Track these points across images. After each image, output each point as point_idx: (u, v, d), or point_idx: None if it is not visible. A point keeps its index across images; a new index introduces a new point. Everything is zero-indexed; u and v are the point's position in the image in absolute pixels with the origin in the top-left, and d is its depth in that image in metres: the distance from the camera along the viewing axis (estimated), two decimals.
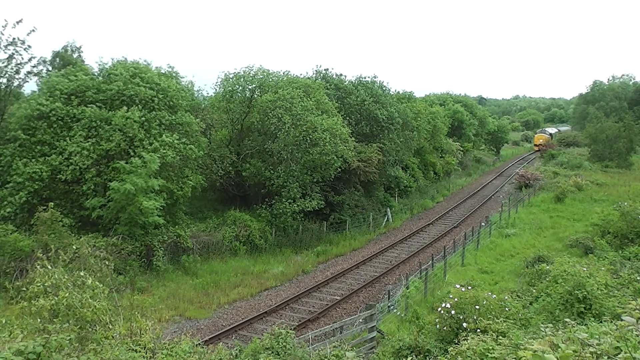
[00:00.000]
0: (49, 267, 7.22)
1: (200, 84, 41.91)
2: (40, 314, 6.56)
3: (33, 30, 22.25)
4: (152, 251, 20.43)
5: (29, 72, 23.06)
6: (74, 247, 8.88)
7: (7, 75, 22.34)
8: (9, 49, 21.88)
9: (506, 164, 64.85)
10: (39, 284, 6.92)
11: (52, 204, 18.29)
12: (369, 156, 31.04)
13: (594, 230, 22.66)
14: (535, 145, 78.09)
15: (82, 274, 7.19)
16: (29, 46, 22.33)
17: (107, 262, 8.50)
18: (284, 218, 25.94)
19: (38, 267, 7.28)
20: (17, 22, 21.78)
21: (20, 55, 22.29)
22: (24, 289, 7.09)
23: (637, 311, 3.97)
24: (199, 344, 8.55)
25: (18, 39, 21.91)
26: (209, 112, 28.85)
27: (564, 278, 11.78)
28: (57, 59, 30.81)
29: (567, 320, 5.09)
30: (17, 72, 22.64)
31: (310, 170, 27.13)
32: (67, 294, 6.63)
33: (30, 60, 22.80)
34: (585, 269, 12.28)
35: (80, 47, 32.32)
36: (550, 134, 78.99)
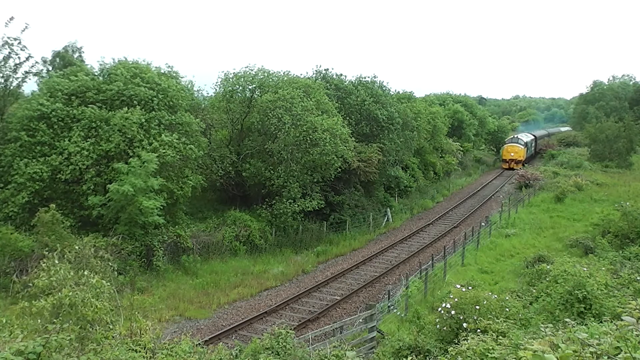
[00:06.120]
0: (56, 261, 7.26)
1: (200, 84, 41.88)
2: (41, 313, 6.57)
3: (27, 27, 22.20)
4: (152, 251, 20.43)
5: (27, 72, 23.01)
6: (77, 247, 8.90)
7: (4, 75, 22.29)
8: (5, 49, 21.83)
9: None
10: (44, 278, 6.95)
11: (54, 205, 18.27)
12: (369, 156, 31.06)
13: (594, 230, 22.71)
14: (504, 161, 57.54)
15: (86, 273, 7.22)
16: (25, 47, 22.31)
17: (109, 263, 8.53)
18: (284, 218, 25.93)
19: (43, 264, 7.32)
20: (10, 20, 21.67)
21: (17, 54, 22.25)
22: (30, 284, 7.13)
23: (637, 311, 3.97)
24: (199, 344, 8.54)
25: (13, 38, 21.84)
26: (209, 112, 28.84)
27: (564, 278, 11.79)
28: (58, 59, 30.82)
29: (567, 320, 5.09)
30: (15, 71, 22.59)
31: (310, 170, 27.12)
32: (70, 292, 6.65)
33: (28, 59, 22.77)
34: (585, 269, 12.29)
35: (82, 47, 32.39)
36: (526, 143, 59.27)
